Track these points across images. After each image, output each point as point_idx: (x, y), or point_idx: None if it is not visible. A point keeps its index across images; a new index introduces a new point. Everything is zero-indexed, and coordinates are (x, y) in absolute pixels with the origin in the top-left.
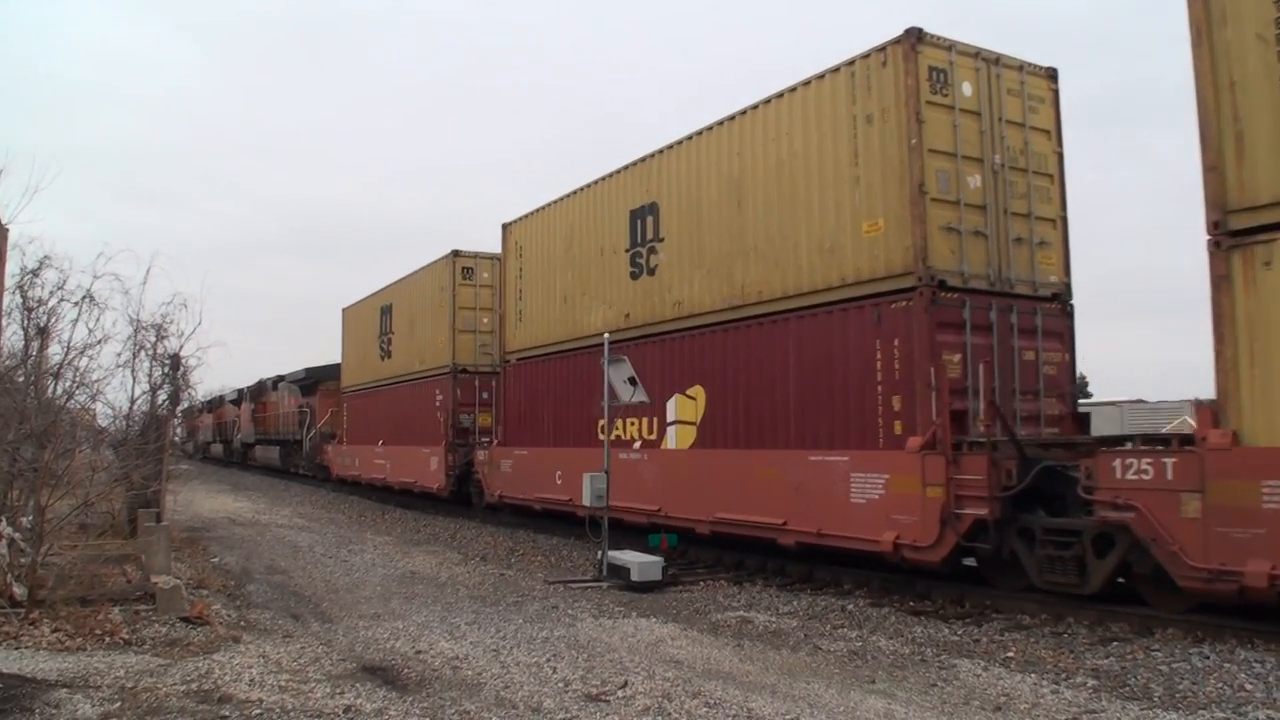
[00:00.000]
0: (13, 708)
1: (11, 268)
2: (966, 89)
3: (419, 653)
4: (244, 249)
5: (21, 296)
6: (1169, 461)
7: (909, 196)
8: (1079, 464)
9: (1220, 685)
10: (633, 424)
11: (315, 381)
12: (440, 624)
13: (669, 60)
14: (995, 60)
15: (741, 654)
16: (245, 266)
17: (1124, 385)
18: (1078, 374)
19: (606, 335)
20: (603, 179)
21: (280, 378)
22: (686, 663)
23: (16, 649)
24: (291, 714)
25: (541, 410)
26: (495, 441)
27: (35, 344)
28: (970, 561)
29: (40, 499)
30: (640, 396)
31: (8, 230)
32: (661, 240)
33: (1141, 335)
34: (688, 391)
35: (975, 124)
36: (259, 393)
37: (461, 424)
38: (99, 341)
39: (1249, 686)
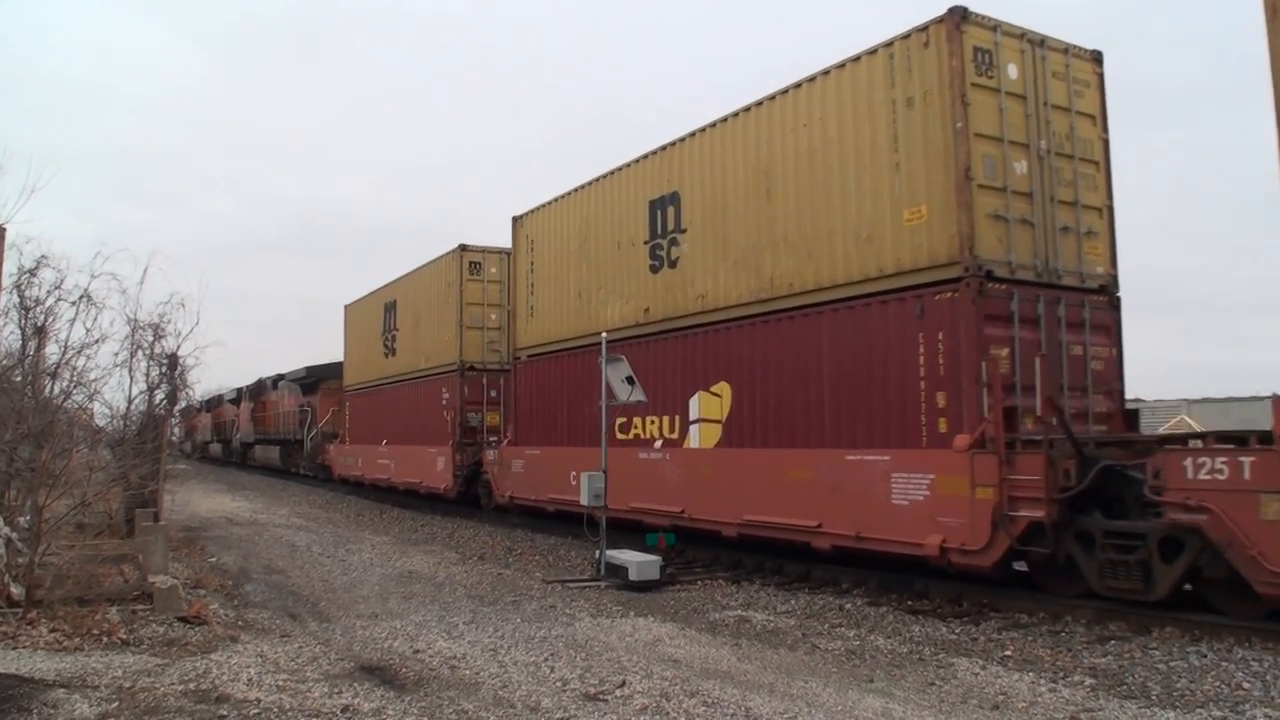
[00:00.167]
0: (10, 708)
1: (9, 267)
2: (1012, 71)
3: (417, 652)
4: (243, 249)
5: (19, 296)
6: (1246, 460)
7: (954, 182)
8: (1143, 463)
9: (1218, 683)
10: (653, 422)
11: (316, 380)
12: (438, 623)
13: (667, 61)
14: (1040, 42)
15: (739, 653)
16: (245, 267)
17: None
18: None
19: (604, 335)
20: (620, 169)
21: (280, 376)
22: (684, 662)
23: (14, 649)
24: (289, 713)
25: (555, 409)
26: (505, 441)
27: (32, 343)
28: (1021, 566)
29: (38, 499)
30: (638, 396)
31: (5, 229)
32: (683, 231)
33: (1141, 335)
34: (712, 388)
35: (1021, 108)
36: (258, 392)
37: (469, 423)
38: (96, 341)
39: (1246, 685)
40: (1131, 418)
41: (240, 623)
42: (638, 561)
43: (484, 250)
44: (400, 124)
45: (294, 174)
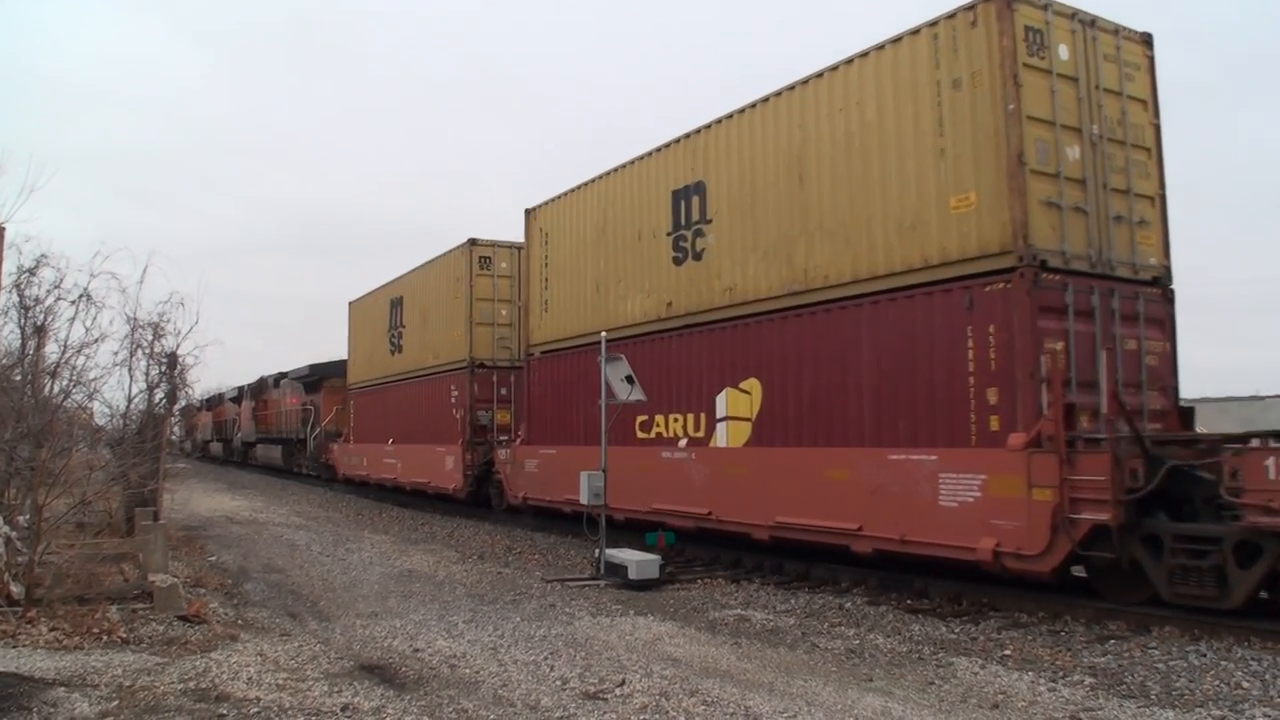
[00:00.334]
0: (10, 706)
1: (8, 266)
2: (1063, 52)
3: (416, 651)
4: (244, 250)
5: (18, 295)
6: None
7: (1006, 167)
8: (1213, 463)
9: (1217, 683)
10: (676, 420)
11: (320, 378)
12: (438, 622)
13: (666, 63)
14: (1091, 22)
15: (739, 652)
16: (245, 267)
17: None
18: None
19: (604, 334)
20: (640, 158)
21: (283, 374)
22: (684, 661)
23: (14, 647)
24: (289, 712)
25: (570, 406)
26: (518, 440)
27: (32, 342)
28: (1079, 572)
29: (37, 497)
30: (637, 395)
31: (4, 229)
32: (709, 222)
33: None
34: (741, 385)
35: (1073, 91)
36: (260, 390)
37: (479, 421)
38: (96, 340)
39: (1246, 684)
40: (1187, 415)
41: (240, 621)
42: (637, 560)
43: (494, 244)
44: (401, 124)
45: (294, 175)
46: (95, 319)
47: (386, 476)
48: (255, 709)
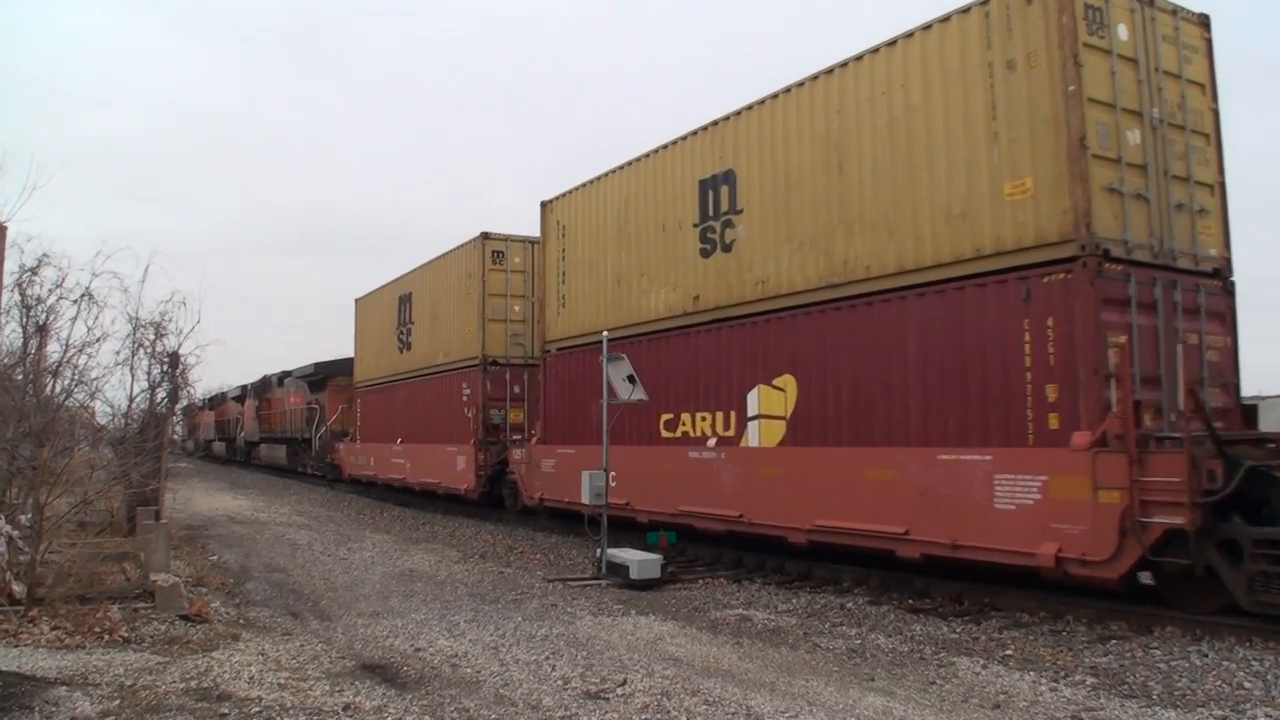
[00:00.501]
0: (12, 705)
1: (10, 265)
2: (1122, 32)
3: (418, 650)
4: (245, 250)
5: (20, 294)
6: None
7: (1066, 152)
8: None
9: (1219, 683)
10: (704, 419)
11: (325, 377)
12: (439, 622)
13: (671, 65)
14: (1150, 2)
15: (741, 652)
16: (246, 267)
17: None
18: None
19: (605, 334)
20: (663, 147)
21: (287, 373)
22: (685, 660)
23: (16, 647)
24: (291, 712)
25: (589, 404)
26: (534, 439)
27: (34, 342)
28: (1146, 579)
29: (39, 497)
30: (639, 395)
31: (6, 228)
32: (739, 212)
33: None
34: (774, 382)
35: (1133, 73)
36: (263, 389)
37: (492, 420)
38: (98, 339)
39: (1248, 684)
40: (1250, 414)
41: (242, 621)
42: (638, 560)
43: (507, 239)
44: (402, 124)
45: (295, 175)
46: (97, 318)
47: (395, 477)
48: (257, 708)
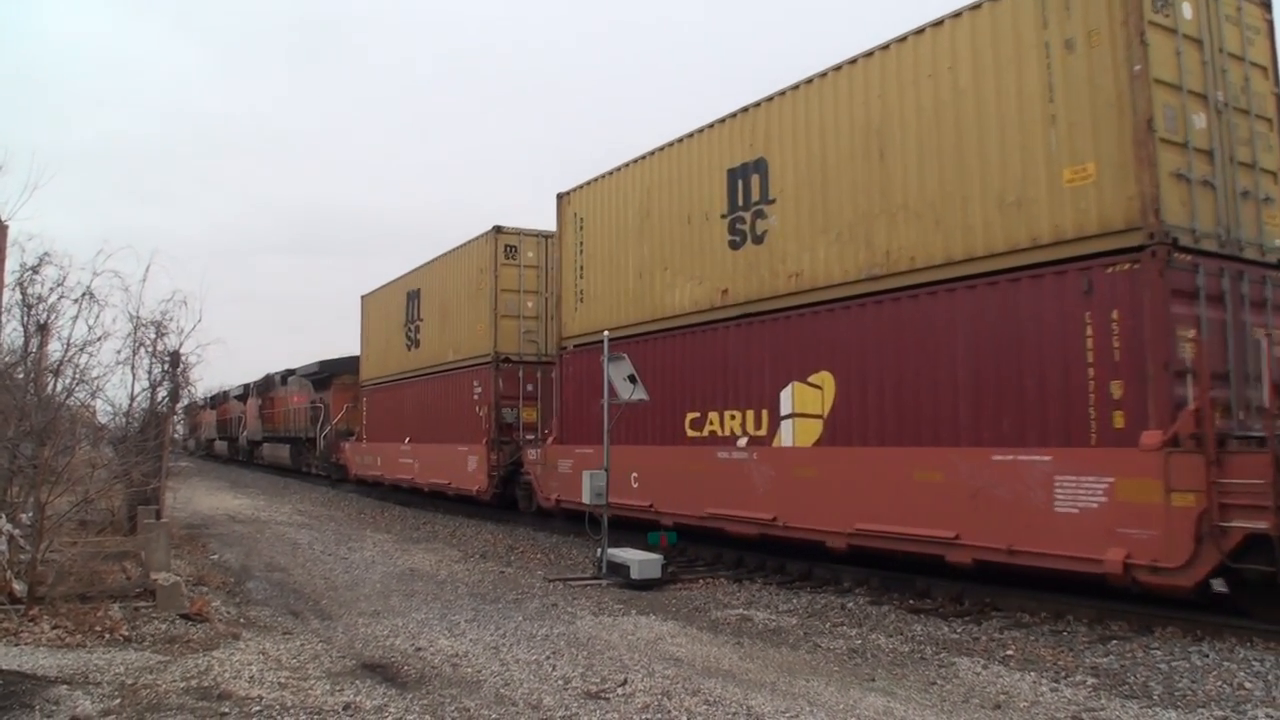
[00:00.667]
0: (13, 704)
1: (11, 264)
2: (1187, 10)
3: (418, 650)
4: (246, 250)
5: (21, 293)
6: None
7: (1132, 135)
8: None
9: (1219, 683)
10: (733, 417)
11: (330, 375)
12: (440, 621)
13: (665, 65)
14: None
15: (741, 652)
16: (248, 267)
17: None
18: None
19: (606, 334)
20: (689, 136)
21: (290, 372)
22: (686, 660)
23: (16, 645)
24: (291, 711)
25: None
26: (550, 439)
27: (35, 341)
28: (1220, 587)
29: (40, 496)
30: (639, 394)
31: (7, 227)
32: (771, 202)
33: None
34: (810, 379)
35: (1197, 53)
36: (266, 388)
37: (504, 419)
38: (99, 338)
39: (1248, 685)
40: None
41: (242, 620)
42: (639, 560)
43: (520, 232)
44: (403, 125)
45: (296, 174)
46: (98, 317)
47: (403, 477)
48: (257, 707)
